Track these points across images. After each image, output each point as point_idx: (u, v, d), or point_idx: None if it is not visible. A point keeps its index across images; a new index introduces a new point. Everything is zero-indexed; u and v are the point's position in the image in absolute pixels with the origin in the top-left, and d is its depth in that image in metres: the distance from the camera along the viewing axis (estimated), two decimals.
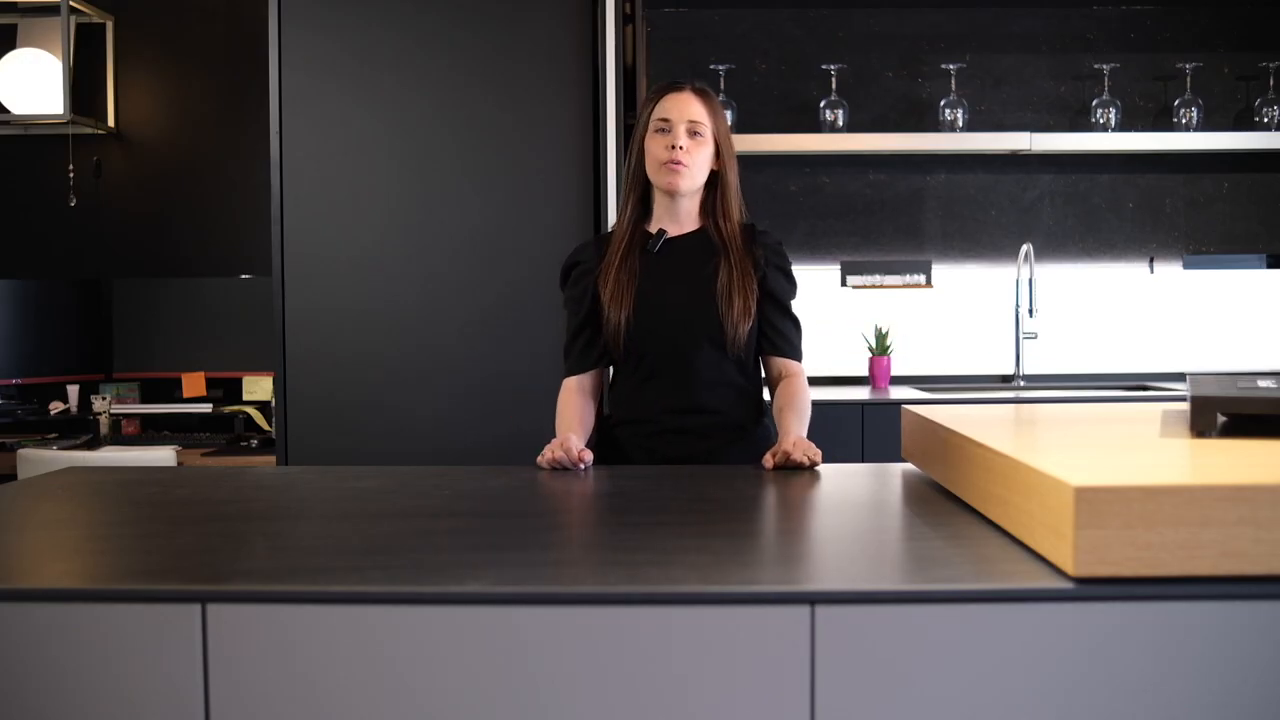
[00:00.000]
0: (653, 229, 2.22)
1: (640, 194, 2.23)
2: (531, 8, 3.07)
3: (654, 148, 2.17)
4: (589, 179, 3.06)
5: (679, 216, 2.21)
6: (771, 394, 2.20)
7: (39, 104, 3.84)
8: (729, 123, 2.25)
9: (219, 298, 3.86)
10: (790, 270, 2.23)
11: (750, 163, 3.95)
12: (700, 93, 2.20)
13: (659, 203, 2.22)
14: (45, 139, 4.00)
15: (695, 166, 2.16)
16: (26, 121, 3.87)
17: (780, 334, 2.19)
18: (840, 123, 3.83)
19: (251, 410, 3.76)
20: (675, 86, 2.21)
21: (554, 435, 2.06)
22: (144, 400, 3.88)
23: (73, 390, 3.84)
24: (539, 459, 1.96)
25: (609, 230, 2.28)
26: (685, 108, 2.16)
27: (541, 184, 3.06)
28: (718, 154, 2.20)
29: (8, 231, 4.04)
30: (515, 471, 1.91)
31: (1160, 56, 3.96)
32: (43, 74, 3.85)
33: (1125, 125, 3.89)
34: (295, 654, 1.14)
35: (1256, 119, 3.85)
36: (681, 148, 2.13)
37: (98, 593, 1.16)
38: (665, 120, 2.16)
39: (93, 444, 3.57)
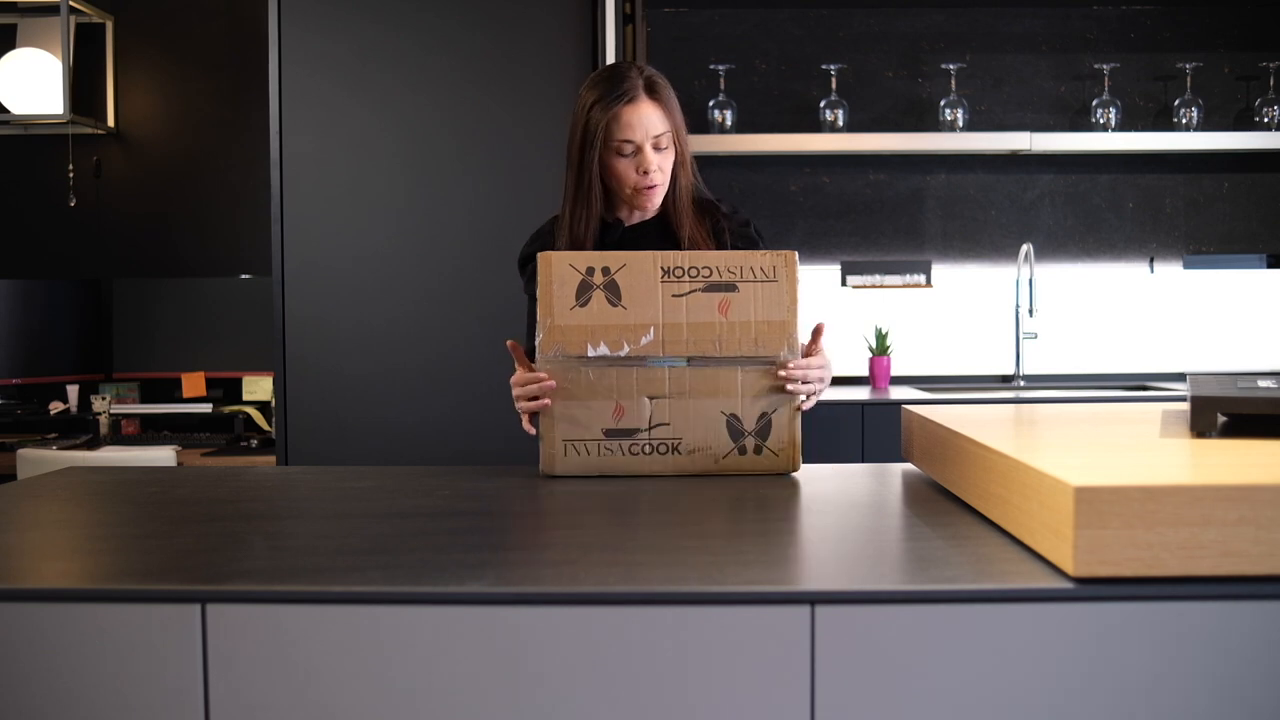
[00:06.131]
0: (610, 218, 2.13)
1: (601, 206, 2.09)
2: (531, 8, 3.08)
3: (622, 170, 2.04)
4: None
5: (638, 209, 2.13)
6: None
7: (39, 104, 3.84)
8: (682, 115, 2.10)
9: (219, 298, 3.86)
10: (759, 241, 2.15)
11: (750, 163, 3.96)
12: (653, 94, 2.04)
13: (618, 202, 2.13)
14: (45, 139, 4.00)
15: (667, 179, 2.07)
16: (26, 121, 3.87)
17: None
18: (840, 123, 3.83)
19: (251, 410, 3.76)
20: (628, 98, 2.01)
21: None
22: (144, 400, 3.89)
23: (72, 390, 3.84)
24: (523, 409, 1.86)
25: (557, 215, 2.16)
26: (647, 123, 2.01)
27: (542, 184, 3.06)
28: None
29: (8, 231, 4.04)
30: (515, 471, 1.91)
31: (1160, 56, 3.96)
32: (42, 74, 3.85)
33: (1125, 125, 3.90)
34: (295, 654, 1.14)
35: (1256, 119, 3.85)
36: (657, 170, 2.03)
37: (98, 593, 1.16)
38: (630, 142, 2.01)
39: (92, 444, 3.57)
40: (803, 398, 1.85)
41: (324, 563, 1.28)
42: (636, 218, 2.15)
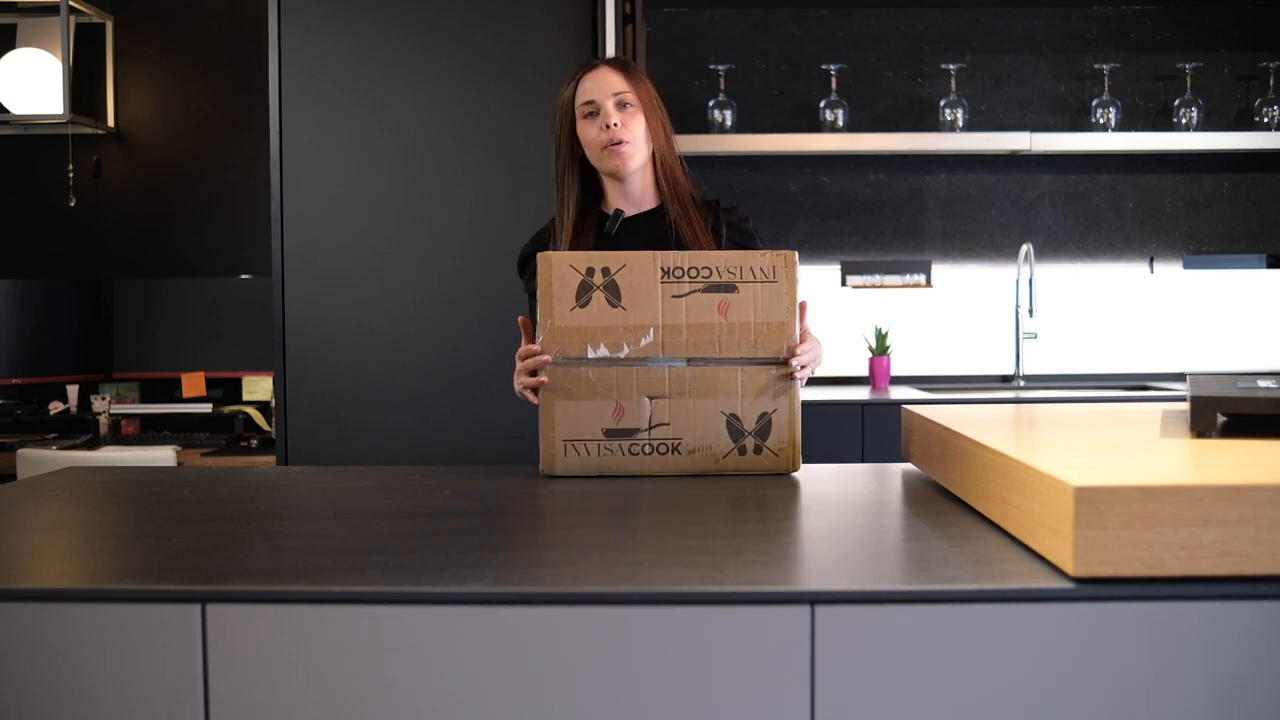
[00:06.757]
0: (609, 210, 2.16)
1: (581, 180, 2.15)
2: (531, 8, 3.08)
3: (588, 133, 2.10)
4: None
5: (633, 196, 2.15)
6: None
7: (39, 104, 3.84)
8: (657, 95, 2.16)
9: (219, 298, 3.86)
10: (756, 238, 2.18)
11: (750, 163, 3.96)
12: (616, 64, 2.13)
13: (609, 186, 2.16)
14: (45, 139, 4.00)
15: (636, 140, 2.10)
16: (26, 121, 3.87)
17: None
18: (840, 123, 3.83)
19: (251, 410, 3.76)
20: (589, 66, 2.13)
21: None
22: (144, 400, 3.89)
23: (72, 390, 3.84)
24: (521, 385, 1.87)
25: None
26: (605, 83, 2.09)
27: (542, 184, 3.06)
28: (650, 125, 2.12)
29: (8, 231, 4.04)
30: (515, 471, 1.91)
31: (1160, 56, 3.96)
32: (42, 74, 3.85)
33: (1125, 125, 3.90)
34: (295, 654, 1.14)
35: (1256, 119, 3.85)
36: (617, 124, 2.07)
37: (98, 593, 1.16)
38: (590, 103, 2.09)
39: (92, 444, 3.57)
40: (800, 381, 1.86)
41: (324, 563, 1.28)
42: (633, 209, 2.16)
